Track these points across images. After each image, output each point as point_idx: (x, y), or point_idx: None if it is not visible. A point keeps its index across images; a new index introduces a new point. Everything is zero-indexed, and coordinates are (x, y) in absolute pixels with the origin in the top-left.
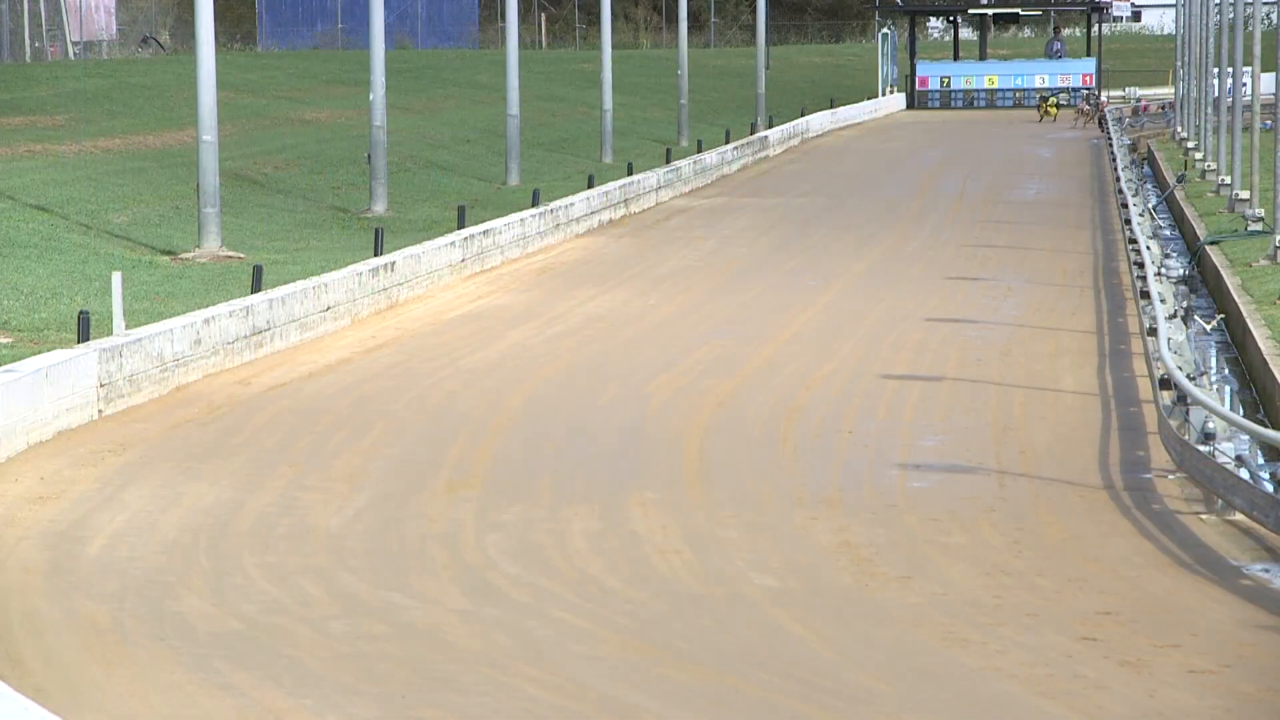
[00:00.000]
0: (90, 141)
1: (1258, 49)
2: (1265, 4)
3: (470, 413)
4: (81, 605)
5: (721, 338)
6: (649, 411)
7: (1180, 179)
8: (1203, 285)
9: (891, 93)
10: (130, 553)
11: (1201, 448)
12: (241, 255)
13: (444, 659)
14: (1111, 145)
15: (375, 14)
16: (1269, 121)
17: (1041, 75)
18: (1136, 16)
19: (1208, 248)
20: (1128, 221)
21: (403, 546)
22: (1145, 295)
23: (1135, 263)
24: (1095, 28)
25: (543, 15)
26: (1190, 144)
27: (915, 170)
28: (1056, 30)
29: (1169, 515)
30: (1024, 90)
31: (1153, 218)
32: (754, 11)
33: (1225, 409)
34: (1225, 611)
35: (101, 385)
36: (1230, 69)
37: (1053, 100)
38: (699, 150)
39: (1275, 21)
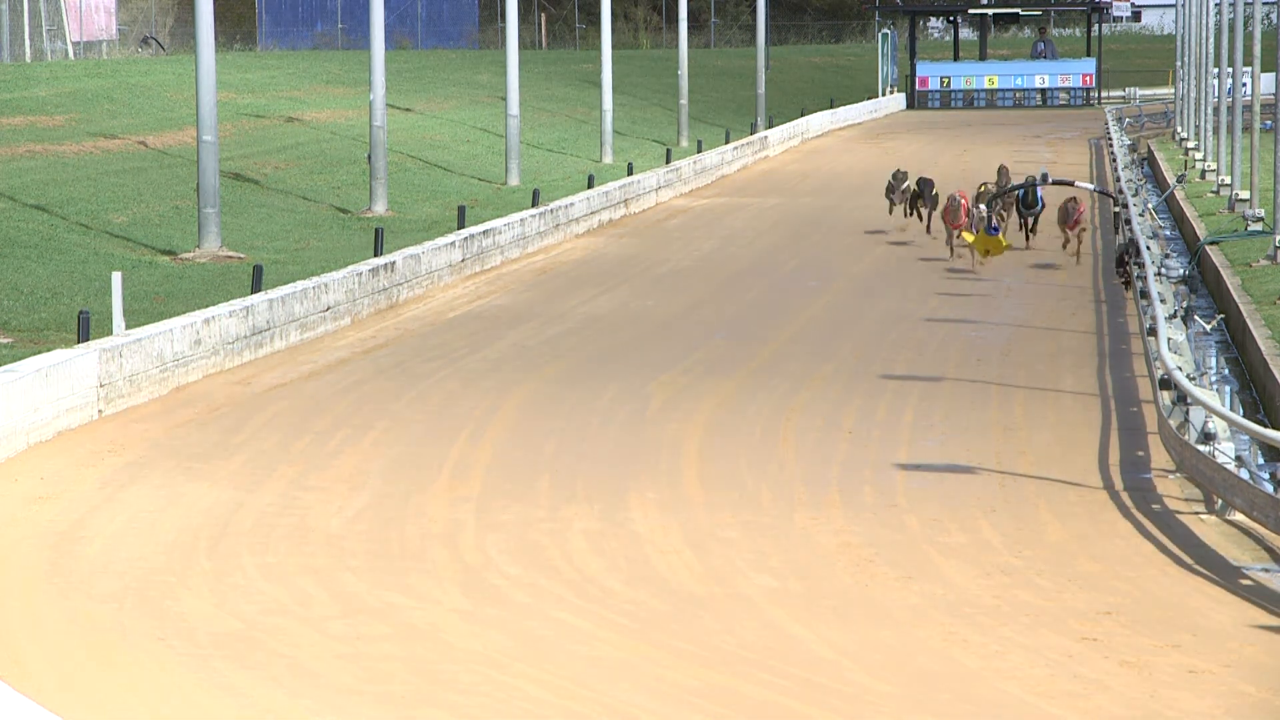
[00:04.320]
0: (90, 141)
1: (1258, 49)
2: (1265, 4)
3: (470, 413)
4: (81, 605)
5: (721, 338)
6: (649, 411)
7: (1180, 179)
8: (1203, 285)
9: (892, 93)
10: (130, 553)
11: (1201, 448)
12: (241, 255)
13: (444, 659)
14: (1112, 145)
15: (375, 14)
16: (1269, 121)
17: (1041, 75)
18: (1136, 16)
19: (1208, 248)
20: (1128, 221)
21: (403, 546)
22: (1145, 295)
23: (1135, 262)
24: (1095, 28)
25: (543, 15)
26: (1190, 144)
27: (916, 171)
28: (1042, 31)
29: (1169, 515)
30: (1024, 90)
31: (1153, 218)
32: (754, 12)
33: (1225, 409)
34: (1225, 611)
35: (101, 385)
36: (1230, 69)
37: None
38: (699, 150)
39: (1275, 21)
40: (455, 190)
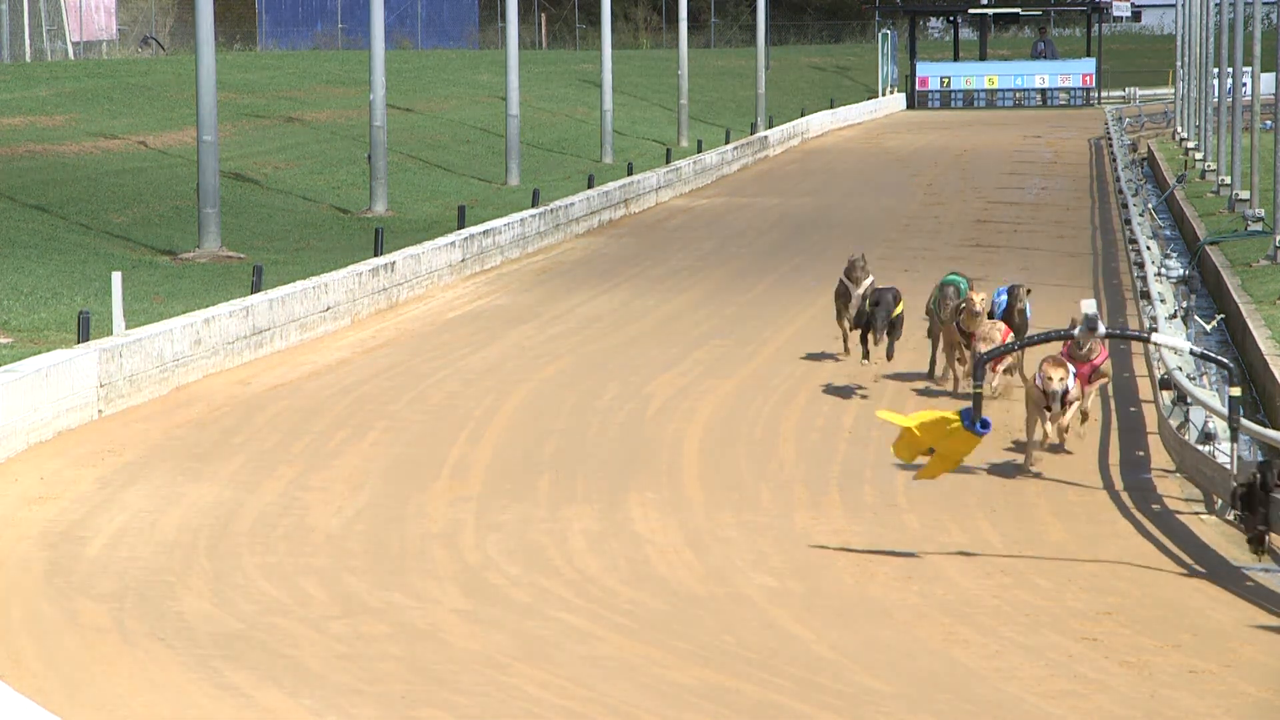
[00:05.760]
0: (90, 141)
1: (1258, 49)
2: (1265, 4)
3: (470, 413)
4: (81, 605)
5: (721, 338)
6: (649, 411)
7: (1180, 179)
8: (1203, 285)
9: (892, 93)
10: (130, 553)
11: (1201, 448)
12: (241, 255)
13: (444, 659)
14: (1111, 145)
15: (375, 14)
16: (1269, 121)
17: (1042, 75)
18: (1136, 16)
19: (1208, 248)
20: (1128, 221)
21: (403, 546)
22: (1145, 295)
23: (1135, 263)
24: (1095, 28)
25: (542, 15)
26: (1190, 144)
27: (916, 171)
28: (1042, 31)
29: (1169, 515)
30: (1024, 90)
31: (1153, 218)
32: (754, 12)
33: (1225, 409)
34: (1225, 611)
35: (101, 385)
36: (1230, 69)
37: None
38: (699, 150)
39: (1275, 21)
40: (455, 190)
